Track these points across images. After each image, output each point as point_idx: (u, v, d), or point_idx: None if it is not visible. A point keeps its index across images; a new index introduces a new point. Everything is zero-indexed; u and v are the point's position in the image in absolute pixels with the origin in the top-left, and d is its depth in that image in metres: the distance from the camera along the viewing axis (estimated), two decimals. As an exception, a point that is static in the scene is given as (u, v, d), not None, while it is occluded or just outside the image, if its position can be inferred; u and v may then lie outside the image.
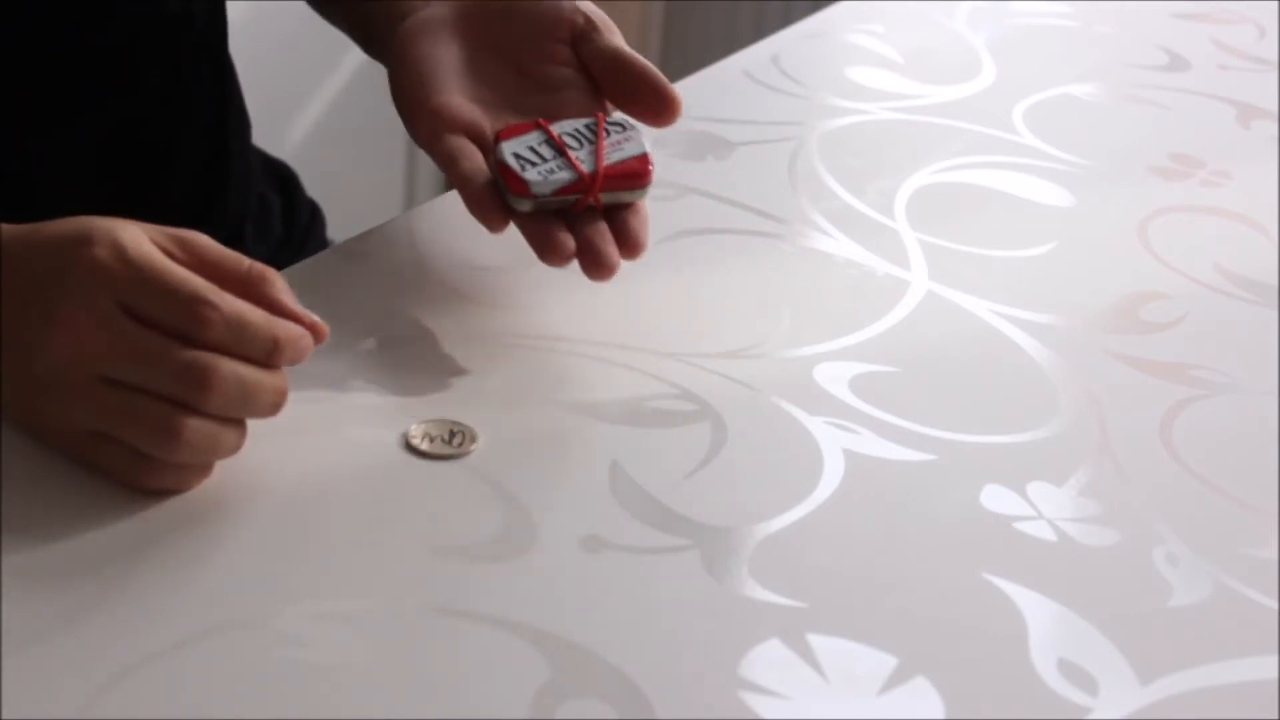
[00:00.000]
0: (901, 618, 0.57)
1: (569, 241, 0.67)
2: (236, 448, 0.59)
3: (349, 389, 0.66)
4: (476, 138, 0.71)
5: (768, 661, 0.54)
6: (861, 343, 0.73)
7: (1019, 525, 0.62)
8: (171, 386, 0.57)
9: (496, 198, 0.68)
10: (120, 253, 0.58)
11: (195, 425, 0.57)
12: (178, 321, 0.57)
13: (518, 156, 0.68)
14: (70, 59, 0.78)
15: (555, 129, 0.70)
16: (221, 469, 0.60)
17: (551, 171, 0.68)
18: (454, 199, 0.82)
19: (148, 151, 0.84)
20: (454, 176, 0.69)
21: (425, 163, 2.12)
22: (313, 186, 1.03)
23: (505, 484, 0.61)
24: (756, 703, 0.52)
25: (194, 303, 0.57)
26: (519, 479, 0.61)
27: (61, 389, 0.57)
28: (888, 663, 0.54)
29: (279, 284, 0.60)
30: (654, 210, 0.82)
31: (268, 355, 0.58)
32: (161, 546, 0.56)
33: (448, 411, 0.65)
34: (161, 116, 0.84)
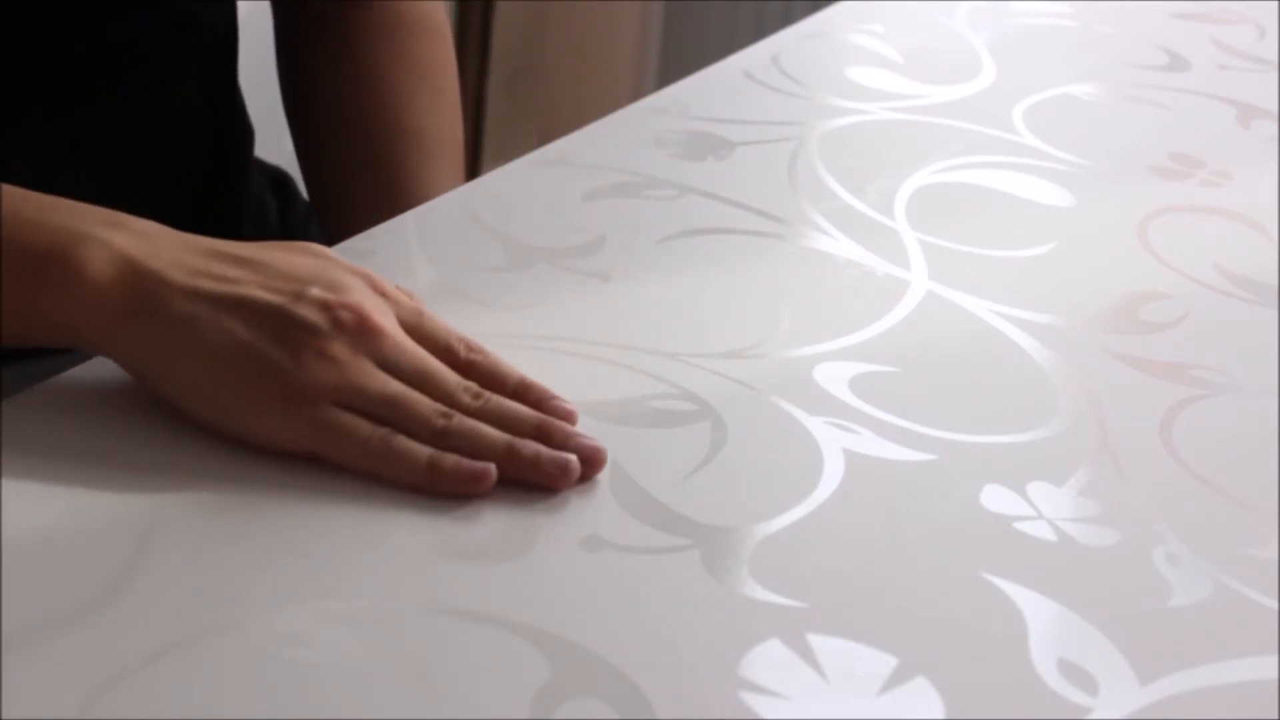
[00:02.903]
0: (901, 618, 0.57)
1: None
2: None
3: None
4: None
5: (768, 661, 0.54)
6: (861, 343, 0.73)
7: (1019, 525, 0.62)
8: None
9: None
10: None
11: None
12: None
13: None
14: (71, 53, 0.78)
15: None
16: (220, 468, 0.60)
17: None
18: (452, 199, 0.82)
19: (144, 151, 0.84)
20: None
21: (425, 163, 2.11)
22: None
23: (505, 484, 0.61)
24: (756, 703, 0.52)
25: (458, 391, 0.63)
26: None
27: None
28: (888, 663, 0.54)
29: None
30: (654, 210, 0.82)
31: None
32: (161, 546, 0.56)
33: (448, 411, 0.65)
34: (160, 118, 0.84)
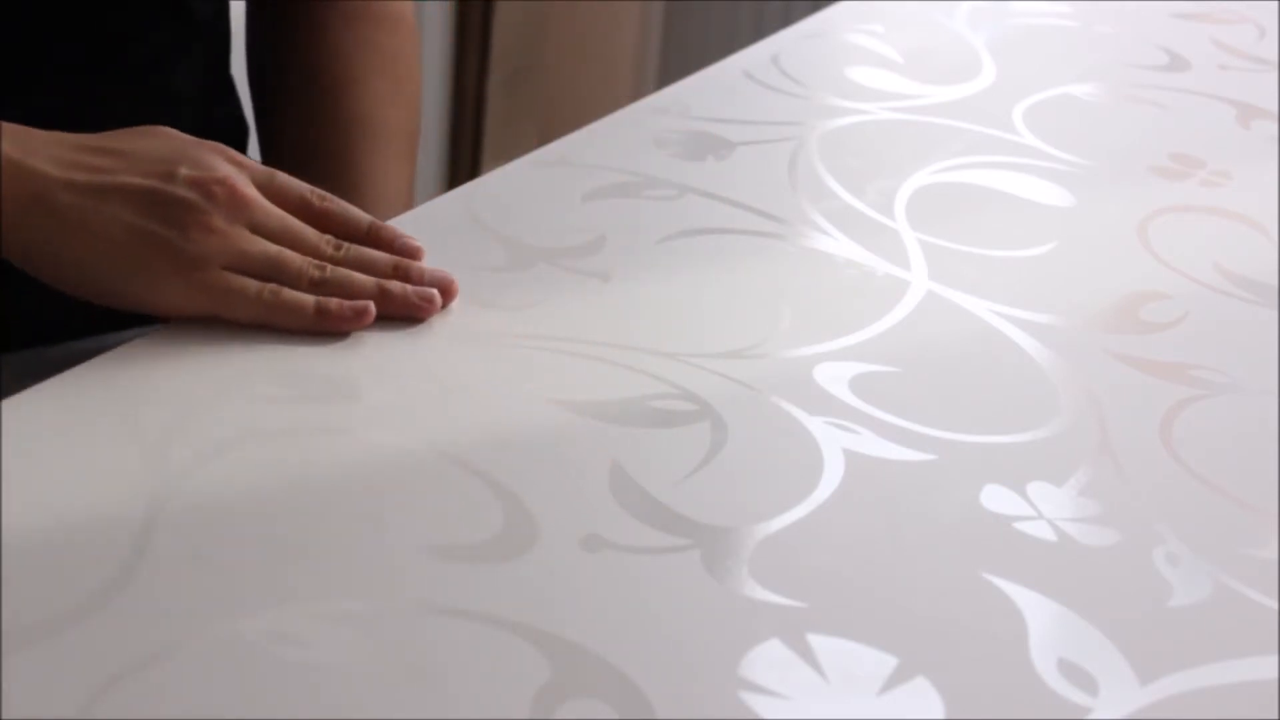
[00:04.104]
0: (901, 618, 0.57)
1: None
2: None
3: (348, 389, 0.66)
4: None
5: (768, 661, 0.54)
6: (861, 343, 0.73)
7: (1019, 525, 0.62)
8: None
9: None
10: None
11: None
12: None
13: None
14: (61, 31, 0.79)
15: None
16: (220, 469, 0.60)
17: None
18: (452, 199, 0.82)
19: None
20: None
21: (425, 164, 2.12)
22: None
23: (505, 484, 0.61)
24: (756, 703, 0.52)
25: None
26: (519, 479, 0.61)
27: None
28: (888, 663, 0.54)
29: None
30: (654, 210, 0.82)
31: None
32: (162, 546, 0.56)
33: (448, 410, 0.65)
34: (151, 102, 0.85)
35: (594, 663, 0.53)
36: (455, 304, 0.72)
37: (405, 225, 0.79)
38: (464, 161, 2.17)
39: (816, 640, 0.55)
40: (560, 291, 0.74)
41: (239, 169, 0.70)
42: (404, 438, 0.63)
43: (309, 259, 0.70)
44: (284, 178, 0.72)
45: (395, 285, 0.70)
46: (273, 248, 0.69)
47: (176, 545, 0.56)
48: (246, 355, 0.67)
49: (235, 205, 0.68)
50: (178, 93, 0.86)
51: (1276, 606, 0.59)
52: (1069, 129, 0.98)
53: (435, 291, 0.70)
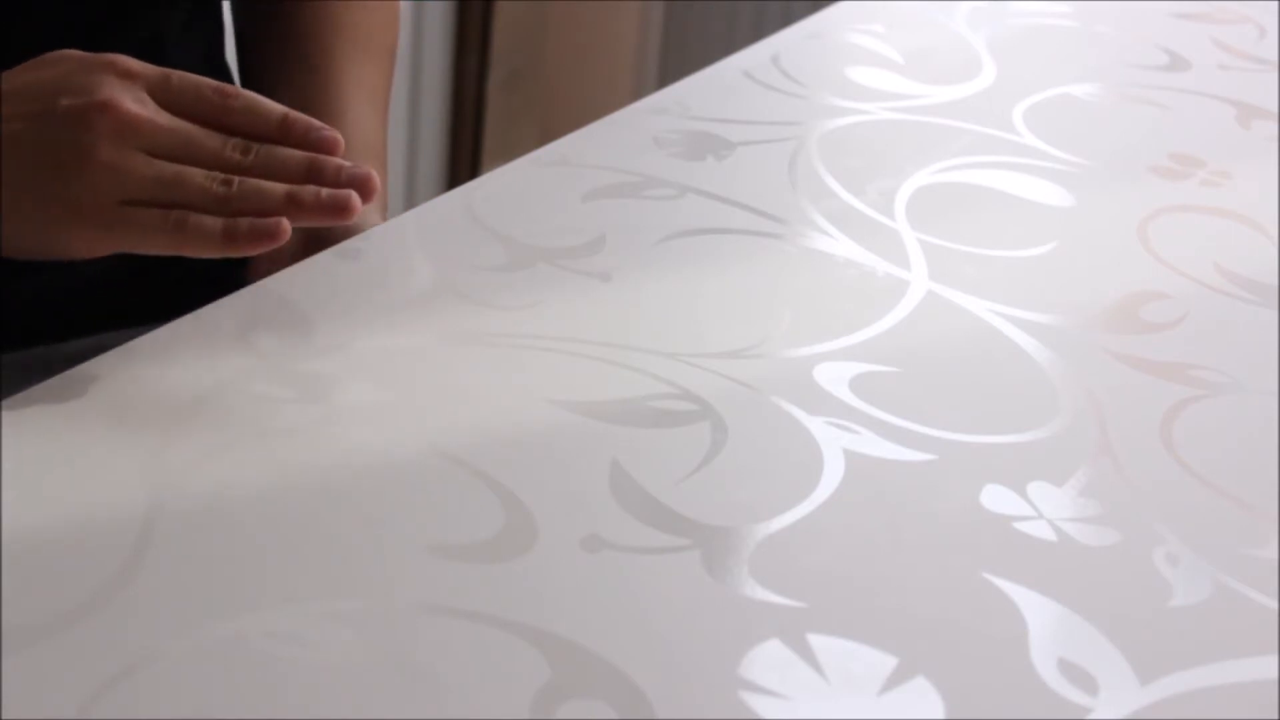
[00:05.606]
0: (901, 618, 0.57)
1: None
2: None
3: (348, 389, 0.66)
4: None
5: (768, 661, 0.54)
6: (861, 343, 0.73)
7: (1019, 525, 0.62)
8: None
9: None
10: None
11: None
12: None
13: None
14: (54, 10, 0.79)
15: None
16: (219, 469, 0.60)
17: None
18: (451, 199, 0.82)
19: None
20: None
21: (425, 162, 2.12)
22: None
23: (505, 484, 0.61)
24: (756, 703, 0.52)
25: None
26: (519, 479, 0.61)
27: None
28: (888, 663, 0.54)
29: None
30: (654, 210, 0.82)
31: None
32: (162, 546, 0.56)
33: (448, 410, 0.65)
34: None
35: (594, 663, 0.53)
36: (455, 304, 0.72)
37: (406, 223, 0.79)
38: (464, 161, 2.17)
39: (816, 640, 0.55)
40: (560, 291, 0.74)
41: (128, 82, 0.64)
42: (404, 438, 0.63)
43: (212, 174, 0.64)
44: (181, 77, 0.66)
45: (307, 192, 0.64)
46: (169, 169, 0.64)
47: (176, 545, 0.56)
48: (246, 355, 0.67)
49: (121, 129, 0.63)
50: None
51: (1276, 606, 0.59)
52: (1069, 129, 0.98)
53: (351, 193, 0.65)
